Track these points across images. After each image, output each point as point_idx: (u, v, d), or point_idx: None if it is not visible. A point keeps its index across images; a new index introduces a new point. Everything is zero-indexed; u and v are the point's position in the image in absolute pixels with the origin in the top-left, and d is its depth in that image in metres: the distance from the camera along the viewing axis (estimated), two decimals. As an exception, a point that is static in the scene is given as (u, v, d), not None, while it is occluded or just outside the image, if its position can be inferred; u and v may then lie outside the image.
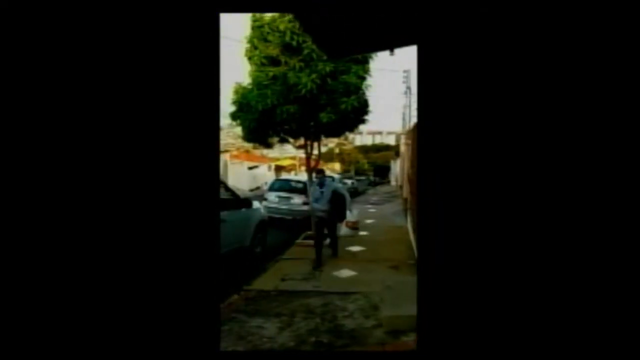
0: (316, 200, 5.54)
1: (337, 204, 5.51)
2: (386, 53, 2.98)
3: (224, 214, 4.63)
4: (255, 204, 5.94)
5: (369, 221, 9.68)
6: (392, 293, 3.51)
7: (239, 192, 5.85)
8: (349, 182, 19.22)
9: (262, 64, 7.14)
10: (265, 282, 4.41)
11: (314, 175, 6.57)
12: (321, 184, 5.58)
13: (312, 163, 7.56)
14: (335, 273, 4.77)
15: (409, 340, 2.72)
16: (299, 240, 6.69)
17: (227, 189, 5.38)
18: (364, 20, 2.22)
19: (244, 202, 5.41)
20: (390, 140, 47.73)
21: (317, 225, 5.63)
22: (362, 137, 51.27)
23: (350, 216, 7.24)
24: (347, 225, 7.35)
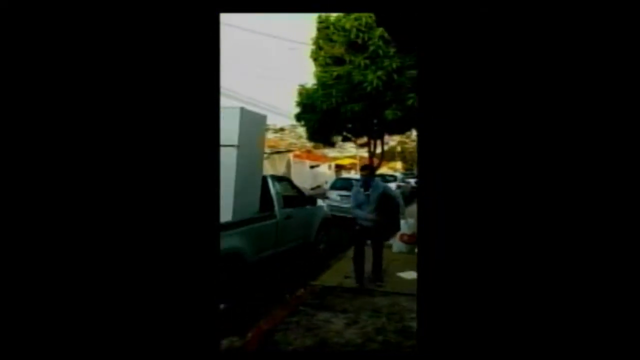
0: (359, 205, 4.16)
1: (388, 211, 4.11)
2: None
3: (290, 211, 4.81)
4: (319, 202, 6.04)
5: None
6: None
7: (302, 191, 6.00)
8: (412, 181, 18.48)
9: (327, 64, 7.27)
10: (329, 278, 4.47)
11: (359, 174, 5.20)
12: (366, 185, 4.16)
13: (375, 161, 7.47)
14: (400, 274, 4.69)
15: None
16: (361, 239, 6.66)
17: (293, 186, 5.55)
18: None
19: (309, 200, 5.54)
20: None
21: (357, 235, 4.26)
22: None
23: (406, 227, 5.42)
24: (401, 240, 5.64)
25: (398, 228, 4.65)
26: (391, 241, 5.62)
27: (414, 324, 3.10)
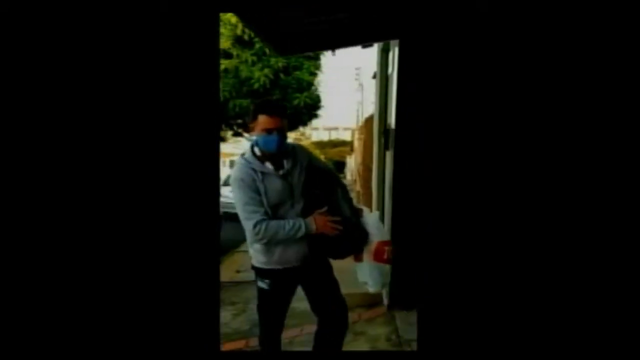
0: (255, 205, 1.77)
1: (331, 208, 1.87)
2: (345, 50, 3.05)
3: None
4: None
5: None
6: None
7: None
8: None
9: (214, 57, 7.44)
10: (220, 274, 4.40)
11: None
12: (279, 154, 1.82)
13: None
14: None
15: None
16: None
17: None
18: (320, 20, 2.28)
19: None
20: (347, 136, 48.45)
21: (265, 298, 2.08)
22: (319, 132, 52.50)
23: (379, 230, 1.96)
24: (376, 257, 1.92)
25: (365, 239, 1.93)
26: (370, 282, 2.02)
27: (298, 305, 2.92)
